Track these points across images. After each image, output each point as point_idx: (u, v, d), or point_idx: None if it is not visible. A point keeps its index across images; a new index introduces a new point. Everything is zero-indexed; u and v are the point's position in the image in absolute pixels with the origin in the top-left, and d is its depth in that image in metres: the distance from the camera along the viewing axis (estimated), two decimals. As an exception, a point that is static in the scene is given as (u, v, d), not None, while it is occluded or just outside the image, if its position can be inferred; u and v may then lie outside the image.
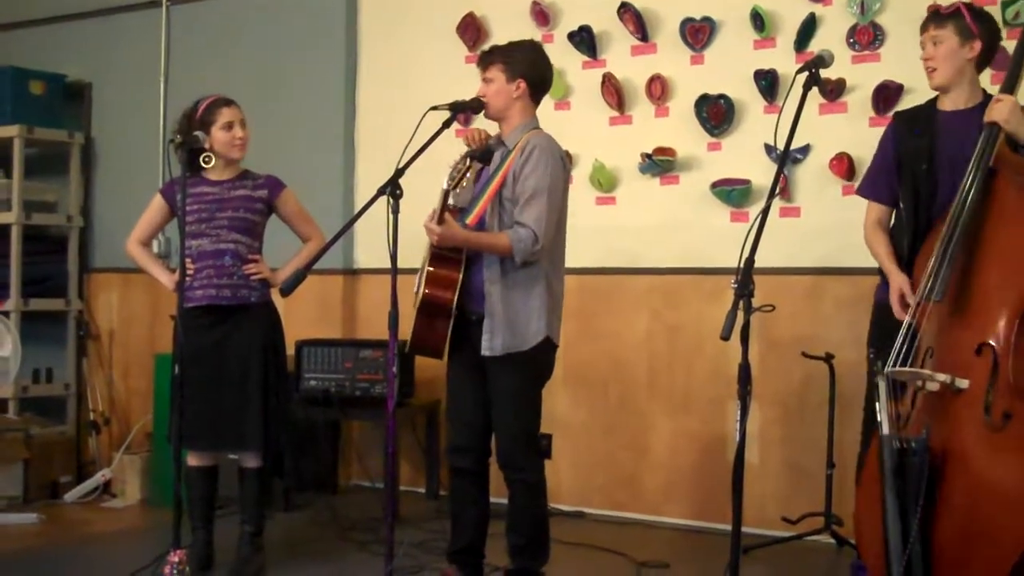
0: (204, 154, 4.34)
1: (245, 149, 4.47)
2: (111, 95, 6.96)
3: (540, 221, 3.83)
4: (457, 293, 3.85)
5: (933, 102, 3.94)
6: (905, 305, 3.70)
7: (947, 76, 3.81)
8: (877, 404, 3.45)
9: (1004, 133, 3.56)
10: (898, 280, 3.79)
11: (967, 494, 3.31)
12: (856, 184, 4.97)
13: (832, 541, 4.82)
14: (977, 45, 3.78)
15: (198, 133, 4.29)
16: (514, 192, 3.88)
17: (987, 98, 3.80)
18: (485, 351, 3.87)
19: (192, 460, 4.46)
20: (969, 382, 3.38)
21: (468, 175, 3.73)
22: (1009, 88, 3.64)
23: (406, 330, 3.85)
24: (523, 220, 3.83)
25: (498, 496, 4.10)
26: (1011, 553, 3.17)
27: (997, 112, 3.56)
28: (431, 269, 3.86)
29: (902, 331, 3.54)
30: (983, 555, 3.25)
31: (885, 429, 3.41)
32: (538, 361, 3.98)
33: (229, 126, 4.40)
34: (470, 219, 3.87)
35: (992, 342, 3.38)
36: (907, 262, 3.82)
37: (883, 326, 3.83)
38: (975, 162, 3.55)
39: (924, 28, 3.87)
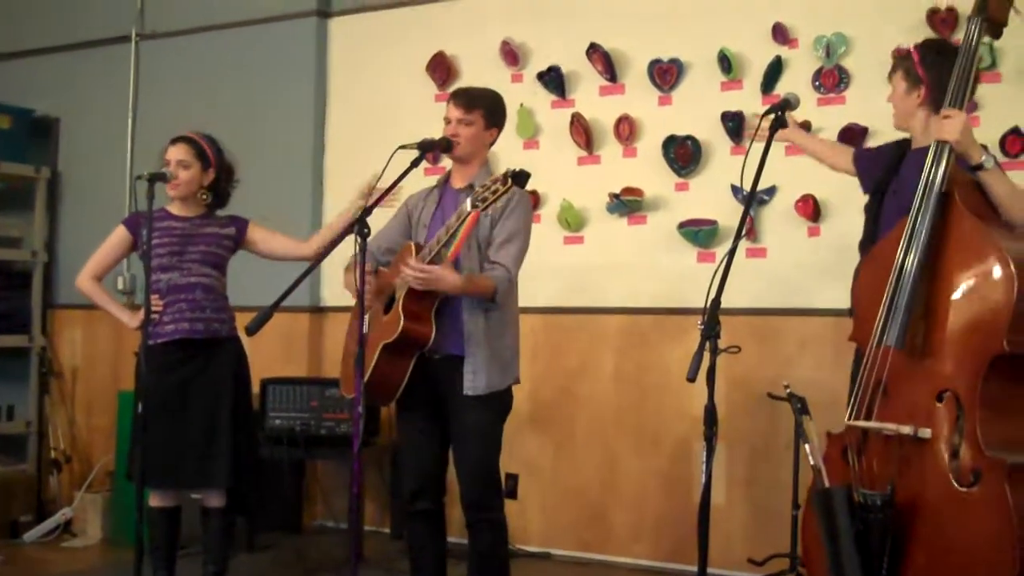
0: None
1: (178, 190, 4.43)
2: (79, 130, 6.93)
3: (516, 262, 3.91)
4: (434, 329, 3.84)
5: (908, 141, 3.85)
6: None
7: (898, 120, 3.79)
8: (807, 447, 3.39)
9: (955, 153, 3.38)
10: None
11: (935, 554, 3.18)
12: (822, 226, 5.05)
13: (798, 582, 4.81)
14: (922, 91, 3.67)
15: (165, 170, 4.35)
16: (490, 233, 3.90)
17: None
18: (468, 391, 3.85)
19: (154, 501, 4.40)
20: (931, 431, 3.23)
21: (503, 200, 3.64)
22: (958, 103, 3.44)
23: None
24: (500, 260, 3.87)
25: (452, 535, 4.10)
26: None
27: (949, 130, 3.36)
28: (407, 304, 3.80)
29: (859, 379, 3.43)
30: None
31: (825, 481, 3.32)
32: (507, 400, 4.01)
33: (167, 164, 4.42)
34: (447, 258, 3.86)
35: (954, 388, 3.24)
36: None
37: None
38: (924, 186, 3.37)
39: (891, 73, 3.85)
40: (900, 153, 3.82)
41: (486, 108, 4.01)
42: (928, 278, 3.35)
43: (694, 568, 3.18)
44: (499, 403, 3.95)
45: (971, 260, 3.29)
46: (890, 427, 3.31)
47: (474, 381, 3.86)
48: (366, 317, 3.94)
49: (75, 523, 5.92)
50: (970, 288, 3.28)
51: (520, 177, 3.64)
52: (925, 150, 3.60)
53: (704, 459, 3.07)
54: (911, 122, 3.76)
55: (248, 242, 4.55)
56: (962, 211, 3.33)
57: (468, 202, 3.62)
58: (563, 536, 5.58)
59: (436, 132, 4.04)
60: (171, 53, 6.70)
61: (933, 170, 3.37)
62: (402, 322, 3.77)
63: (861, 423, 3.40)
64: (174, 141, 4.47)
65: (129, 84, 6.75)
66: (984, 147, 3.45)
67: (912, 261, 3.34)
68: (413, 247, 3.88)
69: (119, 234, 4.51)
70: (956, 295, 3.30)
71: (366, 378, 3.82)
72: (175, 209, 4.47)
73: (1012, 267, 3.19)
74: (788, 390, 3.50)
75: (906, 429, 3.27)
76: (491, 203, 3.60)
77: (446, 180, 4.09)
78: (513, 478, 5.59)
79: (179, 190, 4.43)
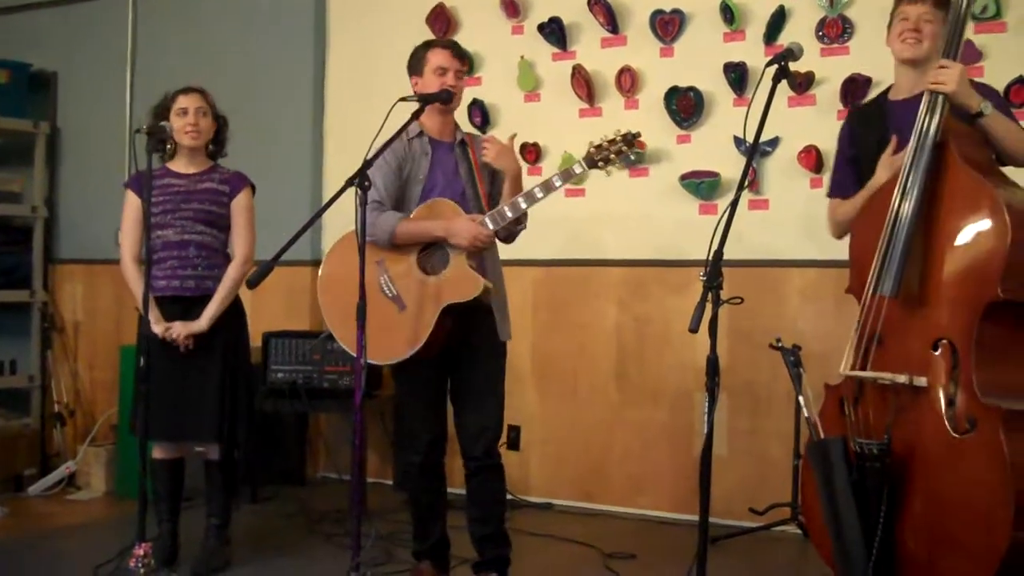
0: (168, 143, 4.37)
1: (199, 138, 4.42)
2: (77, 85, 6.89)
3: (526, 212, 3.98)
4: None
5: (884, 94, 3.85)
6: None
7: (926, 52, 3.62)
8: (801, 398, 3.40)
9: (951, 103, 3.37)
10: (884, 164, 3.65)
11: (934, 502, 3.21)
12: (824, 177, 5.02)
13: (799, 532, 4.84)
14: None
15: (164, 123, 4.29)
16: (492, 185, 4.00)
17: None
18: (503, 336, 3.96)
19: (157, 453, 4.43)
20: (927, 380, 3.26)
21: (618, 165, 3.71)
22: (953, 55, 3.42)
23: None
24: None
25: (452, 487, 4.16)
26: (988, 565, 3.08)
27: (946, 79, 3.35)
28: (472, 263, 3.82)
29: (855, 329, 3.45)
30: (958, 565, 3.16)
31: (820, 432, 3.34)
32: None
33: (183, 112, 4.38)
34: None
35: (950, 337, 3.25)
36: None
37: None
38: (918, 137, 3.38)
39: (919, 2, 3.64)
40: (882, 111, 3.78)
41: (468, 59, 4.06)
42: (923, 228, 3.36)
43: (695, 518, 3.20)
44: (505, 351, 4.04)
45: (965, 209, 3.30)
46: (886, 376, 3.34)
47: (502, 327, 3.96)
48: (384, 278, 3.89)
49: (79, 476, 5.95)
50: (965, 236, 3.29)
51: (637, 137, 3.76)
52: (914, 100, 3.59)
53: (706, 410, 3.08)
54: (930, 64, 3.58)
55: (232, 202, 4.48)
56: (957, 161, 3.34)
57: (583, 162, 3.69)
58: (565, 487, 5.62)
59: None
60: (169, 6, 6.65)
61: (927, 121, 3.38)
62: (481, 279, 3.79)
63: (857, 373, 3.42)
64: (185, 91, 4.43)
65: (127, 37, 6.71)
66: (982, 93, 3.45)
67: (907, 211, 3.36)
68: (458, 207, 3.86)
69: (131, 202, 4.42)
70: (951, 244, 3.32)
71: (423, 342, 3.80)
72: (178, 167, 4.45)
73: (1006, 214, 3.21)
74: (780, 343, 3.50)
75: (902, 378, 3.30)
76: (612, 163, 3.71)
77: (421, 132, 4.00)
78: (515, 430, 5.61)
79: (200, 137, 4.42)
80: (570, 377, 5.63)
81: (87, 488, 5.88)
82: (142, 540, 4.02)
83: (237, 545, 4.60)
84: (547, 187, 3.71)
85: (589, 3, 5.52)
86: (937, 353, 3.28)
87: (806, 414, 3.40)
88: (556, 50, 5.68)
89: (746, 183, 3.35)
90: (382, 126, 3.66)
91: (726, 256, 3.15)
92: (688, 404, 5.28)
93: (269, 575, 4.41)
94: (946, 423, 3.23)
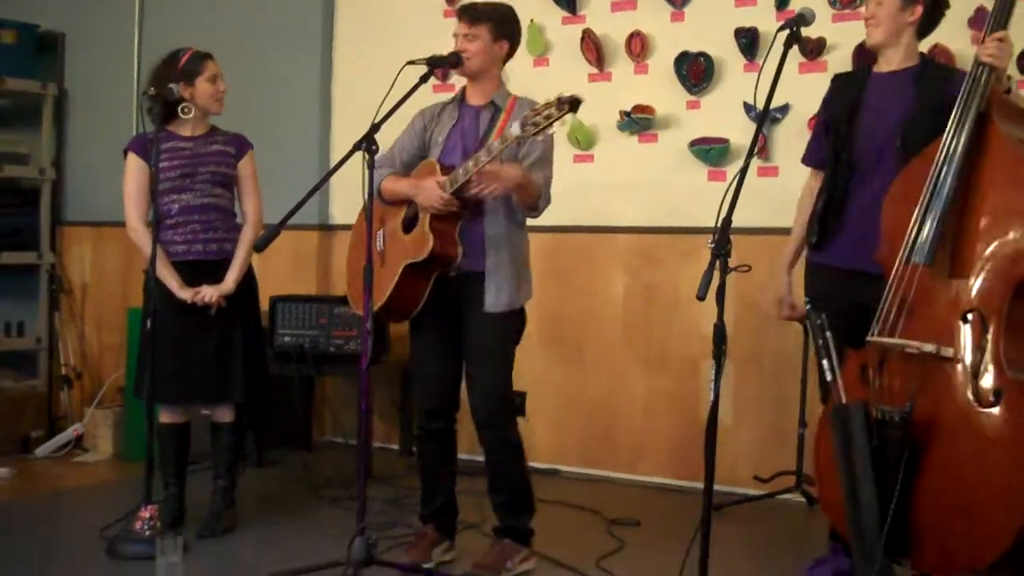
0: (183, 104, 4.29)
1: (224, 104, 4.43)
2: (85, 46, 6.86)
3: (549, 183, 3.90)
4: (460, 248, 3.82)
5: (871, 65, 3.84)
6: (785, 307, 3.93)
7: (884, 36, 3.68)
8: (825, 362, 3.39)
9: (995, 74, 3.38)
10: (776, 286, 3.98)
11: (952, 473, 3.19)
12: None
13: (803, 500, 4.86)
14: (919, 9, 3.64)
15: (172, 85, 4.25)
16: (517, 153, 3.84)
17: (922, 61, 3.72)
18: (490, 307, 3.85)
19: (164, 417, 4.44)
20: (953, 350, 3.23)
21: (556, 125, 3.55)
22: (1005, 25, 3.43)
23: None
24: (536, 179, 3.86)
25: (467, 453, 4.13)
26: (1002, 539, 3.09)
27: (1003, 55, 3.37)
28: (434, 223, 3.77)
29: (885, 295, 3.40)
30: (971, 537, 3.15)
31: (843, 396, 3.33)
32: (523, 318, 4.01)
33: (214, 79, 4.37)
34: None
35: (980, 308, 3.23)
36: (819, 221, 3.78)
37: (812, 286, 3.83)
38: (962, 106, 3.36)
39: None
40: (862, 81, 3.79)
41: (492, 22, 3.94)
42: (961, 198, 3.33)
43: (700, 485, 3.19)
44: (515, 321, 3.96)
45: (1006, 182, 3.28)
46: (913, 345, 3.30)
47: (496, 298, 3.86)
48: (380, 233, 3.93)
49: (86, 439, 5.97)
50: (1004, 210, 3.26)
51: (575, 103, 3.55)
52: (898, 74, 3.69)
53: (712, 378, 3.07)
54: (897, 40, 3.69)
55: (239, 165, 4.48)
56: (999, 133, 3.32)
57: (516, 126, 3.57)
58: (571, 453, 5.63)
59: (444, 48, 4.00)
60: (177, -33, 6.62)
61: (971, 90, 3.36)
62: (431, 242, 3.75)
63: (884, 339, 3.38)
64: (211, 56, 4.41)
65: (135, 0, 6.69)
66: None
67: (946, 179, 3.34)
68: (438, 167, 3.84)
69: (135, 164, 4.39)
70: (989, 216, 3.28)
71: (386, 297, 3.83)
72: (183, 130, 4.41)
73: None
74: (809, 306, 3.47)
75: (929, 347, 3.26)
76: (543, 128, 3.53)
77: (462, 97, 4.03)
78: (521, 395, 5.61)
79: (223, 104, 4.42)
80: (577, 344, 5.63)
81: (94, 450, 5.90)
82: (148, 502, 4.04)
83: (242, 508, 4.62)
84: (489, 151, 3.65)
85: (599, -33, 5.48)
86: (966, 324, 3.26)
87: (829, 377, 3.38)
88: (566, 14, 5.64)
89: (756, 150, 3.33)
90: (390, 90, 3.64)
91: (735, 223, 3.13)
92: (694, 372, 5.28)
93: (274, 538, 4.43)
94: (970, 395, 3.20)
